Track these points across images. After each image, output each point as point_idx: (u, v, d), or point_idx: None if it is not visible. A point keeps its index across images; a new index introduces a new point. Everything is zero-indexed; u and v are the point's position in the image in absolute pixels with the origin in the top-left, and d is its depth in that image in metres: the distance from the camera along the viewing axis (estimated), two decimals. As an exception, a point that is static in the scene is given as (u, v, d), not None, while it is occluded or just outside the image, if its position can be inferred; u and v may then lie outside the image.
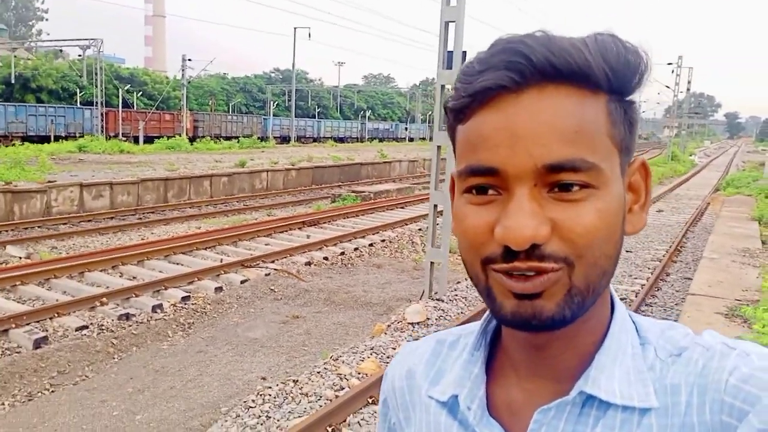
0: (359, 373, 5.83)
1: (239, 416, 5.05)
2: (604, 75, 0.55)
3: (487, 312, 0.66)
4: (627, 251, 12.07)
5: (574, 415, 0.60)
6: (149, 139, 37.23)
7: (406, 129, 67.60)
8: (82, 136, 36.10)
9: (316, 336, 7.62)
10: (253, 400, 5.29)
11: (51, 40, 40.81)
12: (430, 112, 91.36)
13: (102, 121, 39.36)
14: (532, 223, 0.53)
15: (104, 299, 7.52)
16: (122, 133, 38.94)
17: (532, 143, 0.54)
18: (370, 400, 5.21)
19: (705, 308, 6.19)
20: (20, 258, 9.56)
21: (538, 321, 0.56)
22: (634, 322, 0.64)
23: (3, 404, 5.64)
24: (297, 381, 5.62)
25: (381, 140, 60.02)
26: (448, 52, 7.98)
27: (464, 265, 0.61)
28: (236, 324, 7.91)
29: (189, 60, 41.47)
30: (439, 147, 8.13)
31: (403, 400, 0.74)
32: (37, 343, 6.43)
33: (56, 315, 6.98)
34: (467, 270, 0.61)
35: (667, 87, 45.66)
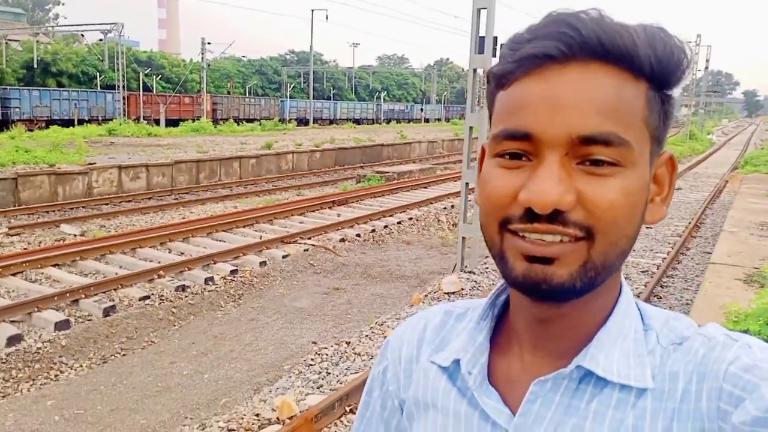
0: (405, 337, 6.37)
1: (301, 372, 5.61)
2: (648, 62, 0.57)
3: (497, 285, 0.70)
4: (647, 227, 12.48)
5: (571, 390, 0.61)
6: (170, 122, 37.83)
7: (421, 110, 67.66)
8: (105, 120, 36.78)
9: (357, 306, 8.16)
10: (312, 359, 5.86)
11: (73, 25, 41.36)
12: (445, 93, 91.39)
13: (124, 104, 40.06)
14: (558, 189, 0.55)
15: (161, 272, 8.11)
16: (143, 116, 39.58)
17: (571, 113, 0.55)
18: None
19: (724, 275, 6.65)
20: (75, 235, 10.18)
21: (548, 286, 0.57)
22: (639, 309, 0.65)
23: (81, 366, 6.24)
24: (349, 343, 6.17)
25: (398, 121, 60.16)
26: (480, 37, 8.38)
27: (482, 230, 0.62)
28: (282, 295, 8.47)
29: (209, 43, 41.92)
30: (471, 127, 8.56)
31: (407, 367, 0.75)
32: (106, 312, 7.02)
33: (120, 286, 7.57)
34: (484, 235, 0.62)
35: (686, 65, 45.33)
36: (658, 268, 9.10)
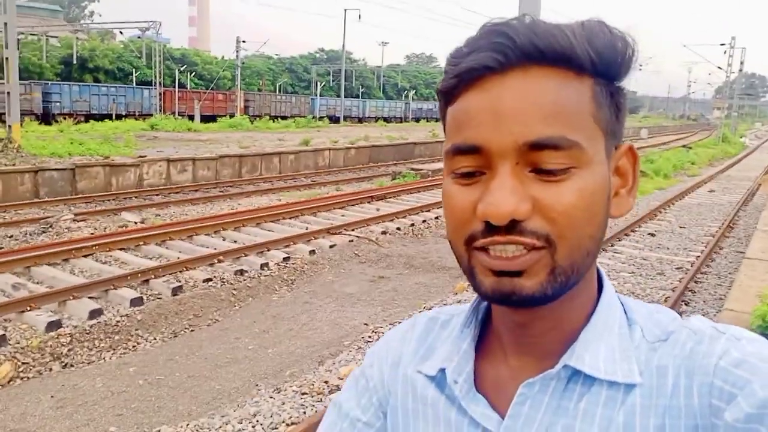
0: (453, 320, 6.82)
1: (360, 348, 6.10)
2: (588, 58, 0.56)
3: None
4: (681, 227, 12.76)
5: (559, 390, 0.60)
6: (204, 118, 38.75)
7: (450, 109, 67.83)
8: (142, 115, 37.82)
9: (403, 293, 8.62)
10: (369, 336, 6.35)
11: (113, 22, 42.55)
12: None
13: (160, 100, 41.13)
14: (512, 199, 0.54)
15: (221, 257, 8.68)
16: (178, 112, 40.57)
17: (513, 121, 0.55)
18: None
19: (759, 269, 6.99)
20: (135, 222, 10.82)
21: (518, 297, 0.57)
22: (622, 303, 0.65)
23: (156, 339, 6.80)
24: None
25: (427, 120, 60.51)
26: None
27: (451, 246, 0.62)
28: (332, 281, 8.97)
29: (243, 42, 42.83)
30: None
31: (395, 370, 0.74)
32: (175, 291, 7.58)
33: (185, 269, 8.15)
34: (453, 251, 0.62)
35: (719, 68, 45.08)
36: (692, 265, 9.41)
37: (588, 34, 0.56)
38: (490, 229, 0.56)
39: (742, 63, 49.65)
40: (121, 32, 50.91)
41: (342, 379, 5.24)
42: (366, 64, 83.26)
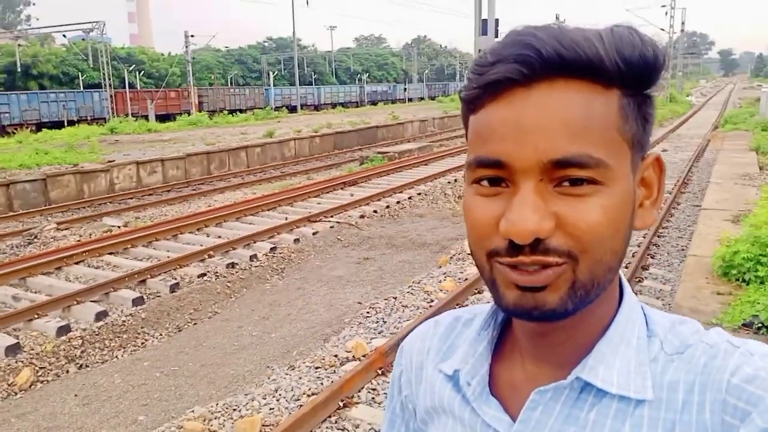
0: (441, 290, 7.30)
1: (361, 323, 6.54)
2: (616, 69, 0.55)
3: None
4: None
5: (571, 399, 0.61)
6: (158, 118, 38.23)
7: (404, 90, 68.20)
8: (94, 119, 37.13)
9: (389, 271, 9.06)
10: (367, 312, 6.79)
11: (55, 26, 41.31)
12: (425, 71, 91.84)
13: (111, 102, 40.39)
14: (534, 217, 0.54)
15: (211, 252, 8.98)
16: (131, 113, 39.92)
17: (538, 138, 0.54)
18: (456, 306, 6.68)
19: (714, 218, 7.65)
20: (119, 227, 10.99)
21: (540, 312, 0.57)
22: (645, 314, 0.65)
23: (161, 334, 7.10)
24: (396, 298, 7.09)
25: (384, 103, 60.72)
26: (483, 20, 9.25)
27: (472, 254, 0.62)
28: (319, 266, 9.36)
29: (192, 36, 42.26)
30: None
31: (418, 373, 0.77)
32: (172, 288, 7.87)
33: (179, 266, 8.43)
34: (475, 259, 0.62)
35: (662, 30, 46.43)
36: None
37: (617, 43, 0.55)
38: (514, 247, 0.55)
39: (683, 23, 51.25)
40: (64, 35, 49.68)
41: (350, 352, 5.67)
42: (316, 49, 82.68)
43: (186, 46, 43.36)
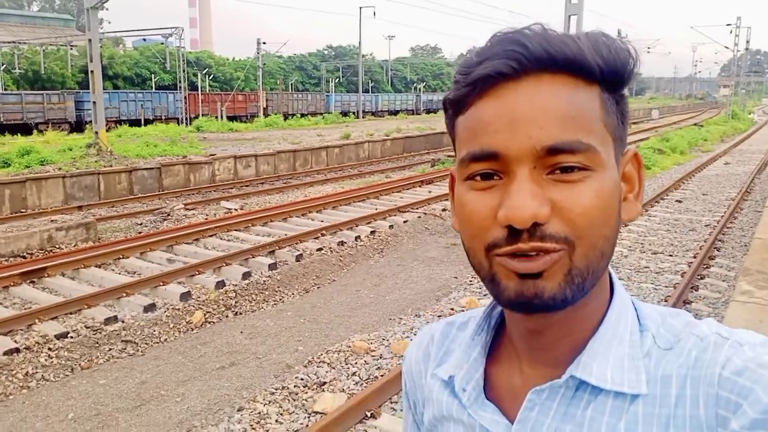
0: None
1: (466, 288, 7.80)
2: (596, 66, 0.59)
3: (492, 299, 0.67)
4: (703, 194, 14.42)
5: (567, 398, 0.62)
6: (228, 119, 40.40)
7: (460, 99, 68.97)
8: (168, 119, 39.51)
9: (476, 255, 10.29)
10: (469, 281, 8.04)
11: (140, 29, 44.16)
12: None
13: (184, 104, 42.85)
14: (533, 202, 0.56)
15: (324, 232, 10.41)
16: (201, 114, 42.23)
17: (531, 126, 0.57)
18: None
19: (777, 219, 8.64)
20: (236, 210, 12.57)
21: (540, 301, 0.58)
22: (636, 308, 0.66)
23: (293, 293, 8.49)
24: (493, 271, 8.34)
25: (436, 111, 61.97)
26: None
27: (467, 255, 0.63)
28: (413, 249, 10.67)
29: (264, 43, 44.54)
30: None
31: (420, 382, 0.79)
32: (298, 258, 9.30)
33: (300, 241, 9.87)
34: (471, 260, 0.63)
35: (726, 48, 46.39)
36: (718, 223, 11.06)
37: (594, 43, 0.59)
38: (513, 234, 0.57)
39: (747, 41, 50.96)
40: (144, 40, 52.71)
41: (463, 308, 6.92)
42: (374, 58, 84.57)
43: (258, 52, 45.68)
